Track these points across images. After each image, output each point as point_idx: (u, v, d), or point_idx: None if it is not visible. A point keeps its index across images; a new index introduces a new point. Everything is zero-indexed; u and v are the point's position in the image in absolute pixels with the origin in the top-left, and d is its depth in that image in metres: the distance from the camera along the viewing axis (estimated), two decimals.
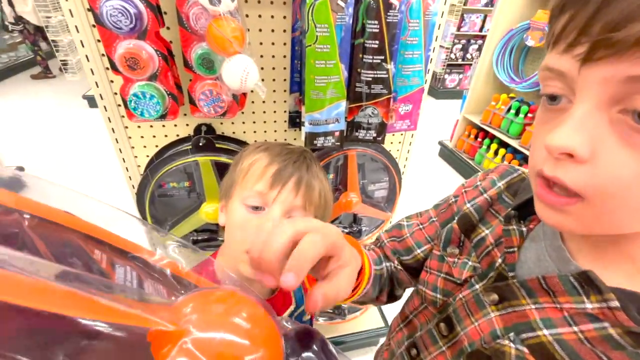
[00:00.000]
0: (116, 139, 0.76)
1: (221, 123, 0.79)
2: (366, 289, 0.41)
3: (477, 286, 0.38)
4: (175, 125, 0.77)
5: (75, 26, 0.60)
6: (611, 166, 0.22)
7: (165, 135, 0.78)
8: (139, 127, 0.75)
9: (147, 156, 0.80)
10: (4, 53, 4.17)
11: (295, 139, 0.85)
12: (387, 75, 0.67)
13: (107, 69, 0.66)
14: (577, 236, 0.31)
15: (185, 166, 0.78)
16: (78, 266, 0.18)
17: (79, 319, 0.14)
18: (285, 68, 0.74)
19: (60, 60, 3.13)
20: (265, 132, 0.82)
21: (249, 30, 0.68)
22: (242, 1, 0.65)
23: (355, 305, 1.23)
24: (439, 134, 3.07)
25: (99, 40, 0.62)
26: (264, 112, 0.79)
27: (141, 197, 0.79)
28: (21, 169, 2.15)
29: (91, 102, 3.31)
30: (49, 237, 0.18)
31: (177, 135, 0.78)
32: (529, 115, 2.15)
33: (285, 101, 0.79)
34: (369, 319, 1.34)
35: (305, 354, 0.23)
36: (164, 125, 0.77)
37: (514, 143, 2.23)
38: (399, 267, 0.51)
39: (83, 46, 0.62)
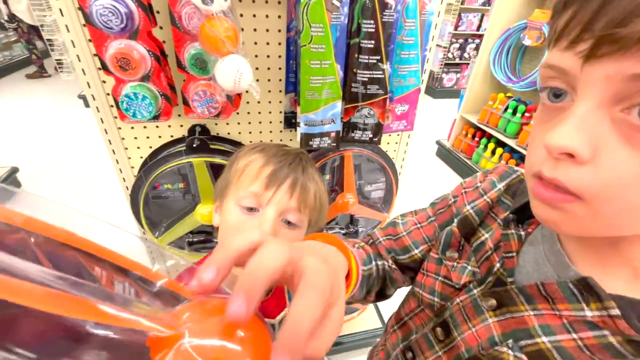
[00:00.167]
0: (109, 140, 0.75)
1: (216, 124, 0.78)
2: (353, 292, 0.40)
3: (475, 291, 0.37)
4: (169, 126, 0.76)
5: (66, 25, 0.59)
6: (613, 166, 0.21)
7: (159, 136, 0.77)
8: (132, 127, 0.74)
9: (141, 157, 0.79)
10: None
11: (291, 140, 0.84)
12: (383, 76, 0.67)
13: (99, 69, 0.65)
14: (575, 239, 0.31)
15: (179, 167, 0.77)
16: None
17: (80, 321, 0.15)
18: (280, 68, 0.73)
19: (56, 60, 3.10)
20: (260, 132, 0.81)
21: (243, 29, 0.67)
22: (236, 0, 0.64)
23: (350, 306, 1.23)
24: (437, 134, 3.07)
25: (90, 40, 0.61)
26: (259, 112, 0.78)
27: (135, 199, 0.78)
28: (16, 169, 2.13)
29: (87, 101, 3.27)
30: (53, 254, 0.18)
31: (171, 136, 0.78)
32: (526, 114, 2.15)
33: (280, 102, 0.78)
34: (366, 319, 1.34)
35: None
36: (157, 126, 0.76)
37: (511, 142, 2.23)
38: (393, 266, 0.50)
39: (74, 46, 0.61)
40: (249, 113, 0.78)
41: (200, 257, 0.68)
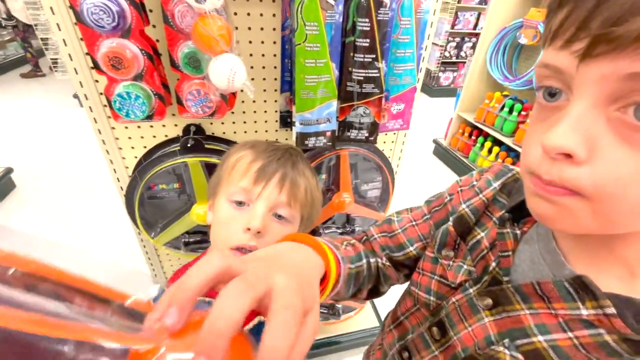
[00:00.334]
0: (103, 140, 0.74)
1: (211, 123, 0.77)
2: (332, 292, 0.40)
3: (471, 290, 0.37)
4: (164, 126, 0.76)
5: (57, 24, 0.59)
6: (610, 165, 0.21)
7: (154, 136, 0.76)
8: (126, 127, 0.74)
9: (135, 157, 0.78)
10: None
11: (286, 139, 0.84)
12: (378, 74, 0.66)
13: (92, 68, 0.64)
14: (570, 238, 0.31)
15: (174, 167, 0.76)
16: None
17: (63, 338, 0.15)
18: (275, 67, 0.73)
19: (50, 59, 3.08)
20: (256, 132, 0.81)
21: (237, 28, 0.66)
22: None
23: (348, 304, 1.23)
24: (433, 132, 3.08)
25: (81, 39, 0.60)
26: (255, 112, 0.78)
27: (130, 200, 0.78)
28: (10, 170, 2.11)
29: None
30: (32, 288, 0.18)
31: (166, 136, 0.77)
32: (523, 113, 2.16)
33: (276, 101, 0.77)
34: (364, 318, 1.34)
35: None
36: (151, 126, 0.75)
37: (507, 141, 2.24)
38: (387, 263, 0.50)
39: (65, 45, 0.61)
40: (244, 112, 0.77)
41: (195, 257, 0.68)
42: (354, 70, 0.66)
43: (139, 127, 0.74)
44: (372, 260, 0.50)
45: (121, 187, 0.81)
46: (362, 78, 0.66)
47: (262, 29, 0.68)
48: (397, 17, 0.64)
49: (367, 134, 0.74)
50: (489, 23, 2.27)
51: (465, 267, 0.40)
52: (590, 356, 0.26)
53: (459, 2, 3.69)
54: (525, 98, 2.23)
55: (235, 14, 0.65)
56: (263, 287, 0.21)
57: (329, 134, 0.72)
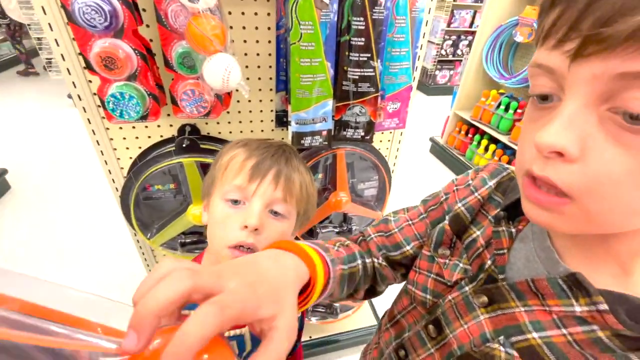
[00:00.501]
0: (97, 141, 0.73)
1: (206, 123, 0.77)
2: (322, 297, 0.40)
3: (466, 288, 0.37)
4: (159, 126, 0.75)
5: (49, 24, 0.58)
6: (601, 164, 0.21)
7: (149, 137, 0.76)
8: (120, 128, 0.73)
9: (130, 158, 0.77)
10: None
11: (282, 139, 0.84)
12: (374, 73, 0.66)
13: (85, 68, 0.63)
14: (565, 236, 0.31)
15: (169, 168, 0.76)
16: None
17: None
18: (270, 66, 0.73)
19: (45, 59, 3.05)
20: (251, 131, 0.81)
21: (231, 27, 0.66)
22: None
23: (346, 303, 1.23)
24: (430, 130, 3.08)
25: (74, 39, 0.59)
26: (250, 111, 0.78)
27: (125, 201, 0.77)
28: (5, 171, 2.09)
29: None
30: (14, 325, 0.18)
31: (161, 136, 0.76)
32: (519, 111, 2.17)
33: (271, 100, 0.77)
34: (362, 317, 1.34)
35: None
36: (146, 126, 0.74)
37: (504, 139, 2.25)
38: (383, 263, 0.50)
39: (58, 45, 0.60)
40: (239, 112, 0.77)
41: (191, 258, 0.67)
42: (349, 69, 0.65)
43: (133, 127, 0.74)
44: (367, 260, 0.50)
45: (116, 188, 0.80)
46: (357, 77, 0.66)
47: (256, 28, 0.68)
48: (392, 15, 0.63)
49: (363, 133, 0.74)
50: (484, 21, 2.27)
51: (461, 265, 0.40)
52: (583, 352, 0.26)
53: (454, 0, 3.69)
54: (521, 96, 2.24)
55: (230, 13, 0.64)
56: (231, 315, 0.22)
57: (325, 133, 0.72)
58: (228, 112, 0.76)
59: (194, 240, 0.90)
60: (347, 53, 0.64)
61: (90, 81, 0.65)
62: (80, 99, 0.66)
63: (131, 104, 0.58)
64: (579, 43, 0.20)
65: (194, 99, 0.61)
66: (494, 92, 2.32)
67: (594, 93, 0.21)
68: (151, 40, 0.62)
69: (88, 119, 0.69)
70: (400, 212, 0.52)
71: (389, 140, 0.92)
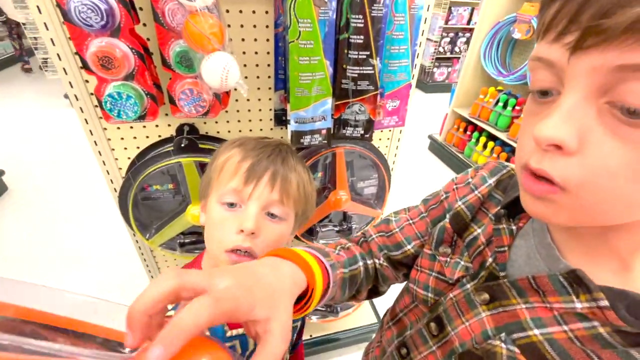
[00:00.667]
0: (95, 141, 0.73)
1: (204, 123, 0.76)
2: (323, 301, 0.40)
3: (468, 286, 0.38)
4: (157, 126, 0.75)
5: (44, 23, 0.57)
6: (599, 157, 0.21)
7: (147, 136, 0.75)
8: (118, 128, 0.73)
9: (129, 158, 0.77)
10: None
11: (282, 138, 0.83)
12: (373, 71, 0.66)
13: (82, 68, 0.63)
14: (565, 232, 0.31)
15: (168, 168, 0.76)
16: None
17: None
18: (269, 65, 0.72)
19: (41, 58, 3.02)
20: (250, 130, 0.80)
21: (229, 26, 0.65)
22: None
23: (347, 303, 1.23)
24: (429, 128, 3.08)
25: (70, 38, 0.59)
26: (249, 110, 0.77)
27: (123, 201, 0.77)
28: (1, 172, 2.07)
29: None
30: (14, 331, 0.18)
31: (159, 136, 0.76)
32: (517, 107, 2.17)
33: (270, 99, 0.77)
34: (362, 315, 1.34)
35: None
36: (144, 126, 0.74)
37: (502, 136, 2.25)
38: (385, 263, 0.50)
39: (54, 44, 0.59)
40: (238, 111, 0.77)
41: (192, 258, 0.67)
42: (348, 67, 0.65)
43: (131, 127, 0.73)
44: (369, 262, 0.50)
45: (115, 189, 0.80)
46: (356, 75, 0.66)
47: (254, 26, 0.67)
48: (391, 13, 0.63)
49: (362, 132, 0.74)
50: (482, 18, 2.27)
51: (462, 263, 0.40)
52: (585, 349, 0.26)
53: None
54: (519, 93, 2.24)
55: (227, 11, 0.64)
56: (224, 308, 0.23)
57: (324, 132, 0.72)
58: (227, 112, 0.76)
59: (193, 241, 0.89)
60: (346, 51, 0.63)
61: (87, 81, 0.65)
62: (77, 99, 0.66)
63: (129, 104, 0.57)
64: (579, 35, 0.21)
65: (192, 98, 0.60)
66: (492, 89, 2.32)
67: (593, 86, 0.21)
68: (148, 39, 0.62)
69: (85, 119, 0.69)
70: (402, 212, 0.53)
71: (388, 139, 0.92)
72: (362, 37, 0.62)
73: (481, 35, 2.31)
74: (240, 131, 0.80)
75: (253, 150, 0.51)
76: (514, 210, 0.37)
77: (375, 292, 0.54)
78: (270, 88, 0.75)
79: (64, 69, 0.62)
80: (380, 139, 0.91)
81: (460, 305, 0.38)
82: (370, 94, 0.69)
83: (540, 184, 0.25)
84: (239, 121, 0.78)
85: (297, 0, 0.55)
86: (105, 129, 0.72)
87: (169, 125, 0.75)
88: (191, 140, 0.72)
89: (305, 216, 0.58)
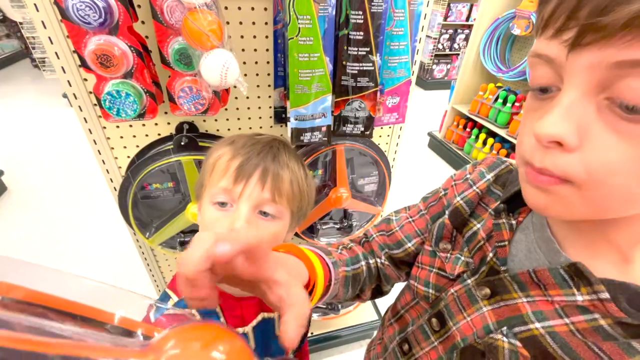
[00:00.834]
0: (94, 140, 0.72)
1: (204, 120, 0.76)
2: (324, 299, 0.40)
3: (469, 281, 0.38)
4: (156, 124, 0.74)
5: (42, 21, 0.57)
6: (599, 153, 0.22)
7: (146, 135, 0.75)
8: (117, 127, 0.72)
9: (128, 157, 0.77)
10: None
11: (281, 135, 0.83)
12: (373, 68, 0.66)
13: (80, 66, 0.62)
14: (564, 226, 0.31)
15: (168, 166, 0.75)
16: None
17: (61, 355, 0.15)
18: (268, 62, 0.72)
19: (38, 58, 3.01)
20: (250, 128, 0.80)
21: (228, 23, 0.65)
22: None
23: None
24: (428, 125, 3.08)
25: (68, 36, 0.58)
26: (249, 108, 0.77)
27: (123, 200, 0.77)
28: (1, 172, 2.07)
29: None
30: (23, 312, 0.18)
31: (159, 135, 0.76)
32: (517, 104, 2.17)
33: (270, 96, 0.77)
34: (363, 312, 1.35)
35: None
36: (144, 125, 0.74)
37: (502, 132, 2.25)
38: (386, 262, 0.50)
39: (52, 43, 0.59)
40: (237, 109, 0.76)
41: None
42: (348, 63, 0.65)
43: (130, 126, 0.73)
44: (371, 261, 0.50)
45: (114, 188, 0.80)
46: (356, 72, 0.66)
47: (253, 23, 0.67)
48: (391, 8, 0.63)
49: (362, 128, 0.74)
50: (481, 14, 2.26)
51: (462, 258, 0.40)
52: (586, 341, 0.27)
53: None
54: (519, 89, 2.24)
55: (226, 8, 0.63)
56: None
57: (324, 129, 0.71)
58: (226, 109, 0.75)
59: None
60: (345, 47, 0.63)
61: (85, 79, 0.64)
62: (75, 98, 0.66)
63: (128, 102, 0.57)
64: (577, 32, 0.21)
65: (191, 96, 0.60)
66: (492, 85, 2.32)
67: (591, 82, 0.21)
68: (147, 36, 0.61)
69: (84, 118, 0.68)
70: (402, 211, 0.53)
71: (388, 135, 0.91)
72: (361, 33, 0.62)
73: (480, 31, 2.31)
74: (240, 129, 0.80)
75: (243, 148, 0.50)
76: (513, 204, 0.37)
77: (379, 291, 0.54)
78: (269, 85, 0.75)
79: (62, 67, 0.62)
80: (380, 136, 0.91)
81: (461, 301, 0.38)
82: (370, 91, 0.69)
83: (544, 176, 0.25)
84: (238, 119, 0.78)
85: None
86: (104, 127, 0.72)
87: (169, 123, 0.75)
88: (191, 138, 0.72)
89: (302, 213, 0.56)
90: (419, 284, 0.45)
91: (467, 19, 3.91)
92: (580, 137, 0.22)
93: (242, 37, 0.67)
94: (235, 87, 0.59)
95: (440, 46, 4.11)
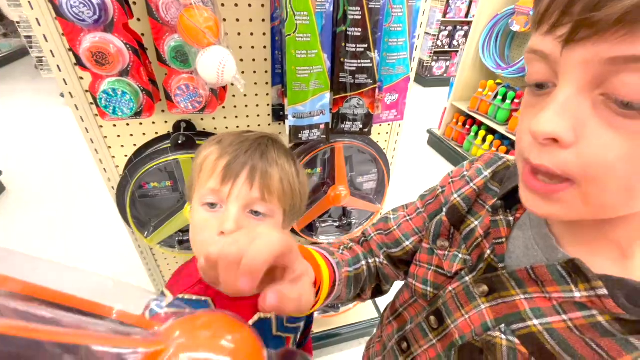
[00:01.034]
0: (91, 139, 0.72)
1: (202, 119, 0.76)
2: (330, 299, 0.40)
3: (467, 278, 0.38)
4: (154, 123, 0.74)
5: (37, 19, 0.56)
6: (595, 149, 0.22)
7: (144, 134, 0.75)
8: (114, 125, 0.72)
9: (126, 156, 0.76)
10: None
11: (280, 133, 0.83)
12: (371, 64, 0.65)
13: (76, 64, 0.62)
14: (562, 222, 0.31)
15: (165, 165, 0.75)
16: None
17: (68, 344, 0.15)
18: (266, 59, 0.71)
19: (35, 57, 3.00)
20: (248, 126, 0.80)
21: (225, 20, 0.64)
22: None
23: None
24: (428, 122, 3.08)
25: (63, 34, 0.58)
26: (246, 106, 0.77)
27: (121, 199, 0.76)
28: None
29: None
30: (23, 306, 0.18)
31: (156, 133, 0.75)
32: (516, 101, 2.16)
33: (267, 94, 0.76)
34: (363, 310, 1.35)
35: None
36: (141, 123, 0.73)
37: (501, 129, 2.25)
38: (385, 261, 0.50)
39: (47, 41, 0.58)
40: (235, 107, 0.76)
41: (191, 256, 0.67)
42: (346, 60, 0.64)
43: (127, 124, 0.72)
44: (370, 260, 0.50)
45: (112, 187, 0.79)
46: (354, 68, 0.65)
47: (250, 20, 0.66)
48: (389, 4, 0.62)
49: (361, 126, 0.73)
50: (480, 11, 2.25)
51: (460, 256, 0.40)
52: (584, 337, 0.27)
53: None
54: (518, 86, 2.23)
55: (223, 5, 0.63)
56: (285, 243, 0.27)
57: (322, 126, 0.71)
58: (224, 107, 0.75)
59: None
60: (343, 44, 0.63)
61: (81, 78, 0.64)
62: (72, 97, 0.65)
63: (124, 101, 0.57)
64: (571, 28, 0.21)
65: (188, 94, 0.60)
66: (491, 82, 2.31)
67: (586, 78, 0.21)
68: (143, 34, 0.61)
69: (81, 117, 0.68)
70: (400, 210, 0.53)
71: (387, 133, 0.91)
72: (359, 29, 0.61)
73: (479, 28, 2.30)
74: (237, 127, 0.79)
75: (230, 147, 0.49)
76: (511, 201, 0.37)
77: (379, 291, 0.54)
78: (267, 83, 0.74)
79: (57, 66, 0.61)
80: (379, 134, 0.90)
81: (459, 298, 0.38)
82: (368, 88, 0.68)
83: (546, 184, 0.25)
84: (236, 117, 0.78)
85: None
86: (101, 126, 0.71)
87: (166, 122, 0.74)
88: (188, 136, 0.72)
89: (296, 210, 0.55)
90: (417, 282, 0.45)
91: (466, 15, 3.90)
92: (576, 134, 0.22)
93: (239, 34, 0.67)
94: (232, 84, 0.58)
95: (439, 43, 4.09)
